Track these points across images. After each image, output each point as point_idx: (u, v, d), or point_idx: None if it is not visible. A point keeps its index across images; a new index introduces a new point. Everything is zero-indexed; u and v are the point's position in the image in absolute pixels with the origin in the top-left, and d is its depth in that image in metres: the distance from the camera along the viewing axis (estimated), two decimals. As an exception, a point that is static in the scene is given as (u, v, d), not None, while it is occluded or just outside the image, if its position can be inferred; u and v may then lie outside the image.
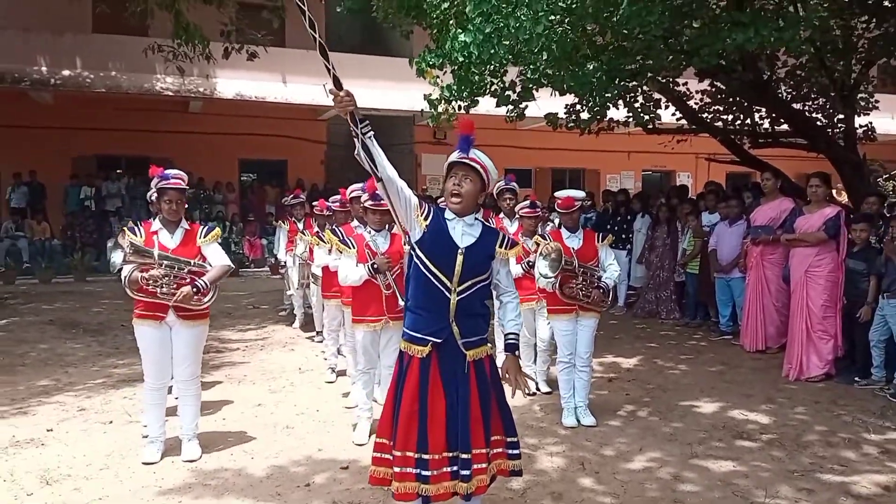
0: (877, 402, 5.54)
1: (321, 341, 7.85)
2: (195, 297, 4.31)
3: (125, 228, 4.50)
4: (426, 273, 3.10)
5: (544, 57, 7.11)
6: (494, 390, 3.20)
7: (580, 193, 5.23)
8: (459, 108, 8.06)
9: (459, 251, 3.09)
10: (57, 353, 7.49)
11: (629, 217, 10.00)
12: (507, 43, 6.79)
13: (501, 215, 6.63)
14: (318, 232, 7.63)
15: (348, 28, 14.84)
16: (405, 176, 12.24)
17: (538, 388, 5.93)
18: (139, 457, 4.46)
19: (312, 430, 5.04)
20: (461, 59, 6.85)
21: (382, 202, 4.76)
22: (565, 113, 9.24)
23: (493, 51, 6.68)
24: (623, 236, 9.81)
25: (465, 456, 3.03)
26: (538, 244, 5.09)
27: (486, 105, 10.27)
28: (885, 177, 11.58)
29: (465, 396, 3.07)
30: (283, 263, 9.54)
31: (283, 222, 9.19)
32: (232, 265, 4.72)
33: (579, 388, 5.13)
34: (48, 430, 5.03)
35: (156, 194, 4.55)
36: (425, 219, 3.11)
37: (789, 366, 6.35)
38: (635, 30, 6.95)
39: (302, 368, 6.90)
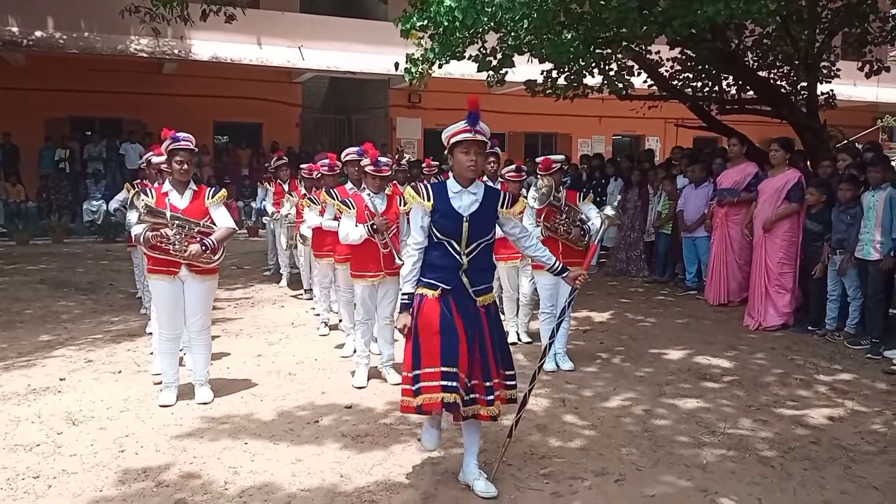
0: (828, 347, 6.10)
1: (309, 299, 8.22)
2: (204, 255, 4.62)
3: (138, 190, 4.77)
4: (438, 239, 3.48)
5: (524, 25, 7.43)
6: (498, 331, 3.60)
7: (559, 157, 5.61)
8: (440, 66, 8.21)
9: (465, 219, 3.46)
10: (52, 310, 7.73)
11: (603, 181, 10.43)
12: (489, 10, 7.08)
13: (484, 177, 7.00)
14: (305, 194, 7.93)
15: (323, -10, 14.86)
16: (380, 139, 12.54)
17: (519, 339, 6.38)
18: (155, 401, 4.80)
19: (313, 377, 5.42)
20: (445, 22, 7.12)
21: (384, 168, 5.13)
22: (543, 79, 9.57)
23: (476, 17, 6.97)
24: (597, 199, 10.22)
25: (487, 383, 3.40)
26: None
27: (461, 69, 10.47)
28: (842, 143, 12.11)
29: (481, 330, 3.46)
30: (265, 224, 9.78)
31: (269, 184, 9.42)
32: (236, 227, 5.03)
33: (559, 336, 5.57)
34: (61, 379, 5.33)
35: (165, 156, 4.77)
36: (428, 200, 3.47)
37: (750, 317, 6.88)
38: (612, 0, 7.28)
39: (294, 323, 7.25)
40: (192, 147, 4.73)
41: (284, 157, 9.30)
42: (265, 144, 17.89)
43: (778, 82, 11.21)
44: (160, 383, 5.11)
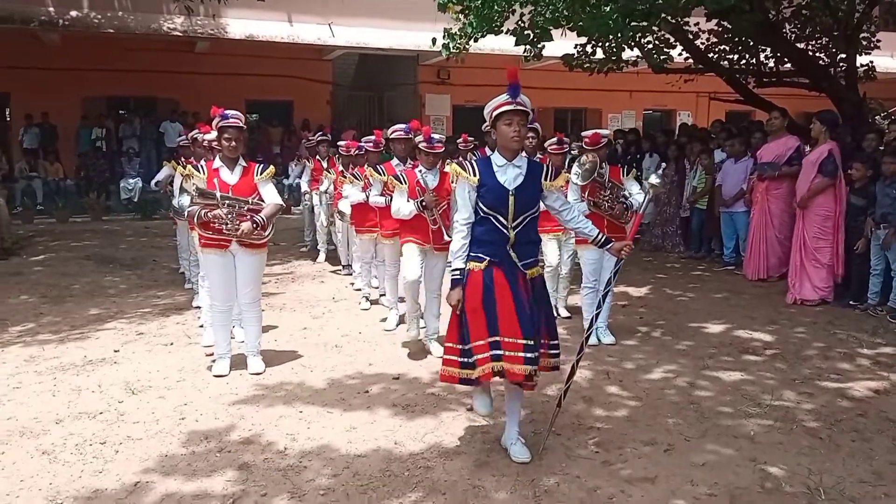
0: (870, 322, 6.08)
1: (348, 274, 8.34)
2: (255, 232, 4.74)
3: (189, 171, 4.88)
4: (485, 214, 3.54)
5: (563, -3, 7.39)
6: (545, 303, 3.67)
7: (606, 131, 5.62)
8: (476, 40, 8.18)
9: (510, 193, 3.51)
10: (100, 285, 7.94)
11: (638, 155, 10.38)
12: (529, -19, 7.05)
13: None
14: (342, 171, 8.03)
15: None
16: (409, 116, 12.52)
17: (558, 313, 6.43)
18: (209, 371, 4.96)
19: (360, 349, 5.54)
20: None
21: (437, 145, 5.19)
22: (578, 53, 9.52)
23: None
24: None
25: (530, 342, 3.44)
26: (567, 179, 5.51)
27: (490, 44, 10.38)
28: (882, 114, 11.90)
29: (528, 297, 3.53)
30: (304, 200, 9.92)
31: (308, 160, 9.51)
32: (283, 203, 5.14)
33: (602, 310, 5.62)
34: (115, 351, 5.52)
35: (215, 133, 4.87)
36: (474, 175, 3.54)
37: (790, 291, 6.86)
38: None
39: (335, 298, 7.38)
40: (240, 124, 4.82)
41: (328, 135, 9.36)
42: (296, 122, 18.00)
43: (816, 54, 11.01)
44: (212, 355, 5.27)
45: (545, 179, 3.64)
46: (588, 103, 20.34)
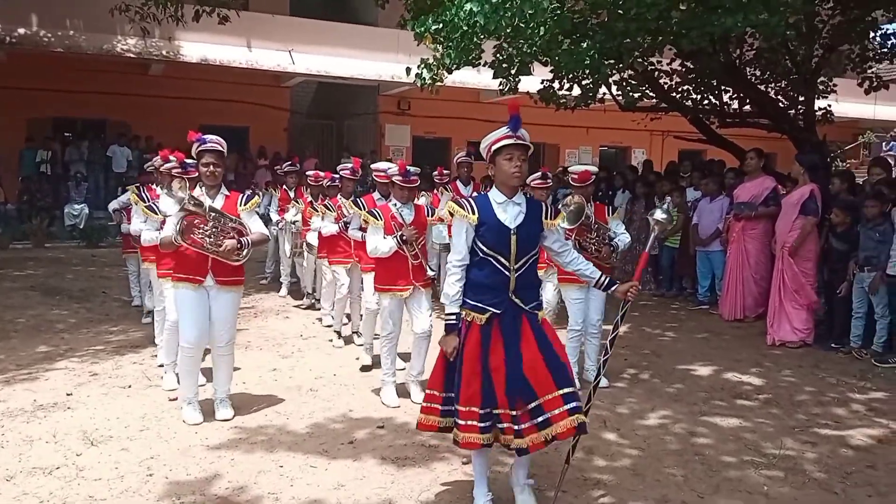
0: (855, 365, 6.03)
1: (309, 308, 8.02)
2: (235, 253, 4.41)
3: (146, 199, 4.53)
4: (484, 255, 3.30)
5: (541, 32, 7.29)
6: (548, 347, 3.36)
7: (595, 168, 5.47)
8: (450, 72, 8.02)
9: (512, 232, 3.29)
10: (47, 319, 7.40)
11: (610, 192, 10.33)
12: (509, 15, 6.92)
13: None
14: (311, 201, 7.73)
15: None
16: (369, 146, 12.40)
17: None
18: (174, 418, 4.55)
19: (336, 393, 5.20)
20: (465, 27, 6.94)
21: (413, 178, 4.95)
22: (548, 88, 9.44)
23: (498, 22, 6.80)
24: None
25: (533, 405, 3.21)
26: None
27: (451, 77, 10.24)
28: (838, 152, 12.21)
29: (525, 350, 3.27)
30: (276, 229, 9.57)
31: (274, 189, 9.18)
32: (269, 236, 4.83)
33: (591, 353, 5.43)
34: (68, 394, 5.06)
35: (194, 158, 4.56)
36: (473, 213, 3.31)
37: (768, 332, 6.79)
38: (631, 10, 7.18)
39: (303, 335, 7.00)
40: (221, 149, 4.51)
41: (297, 164, 9.06)
42: (252, 149, 17.58)
43: (776, 96, 11.23)
44: (175, 399, 4.88)
45: (545, 218, 3.43)
46: (546, 139, 20.38)
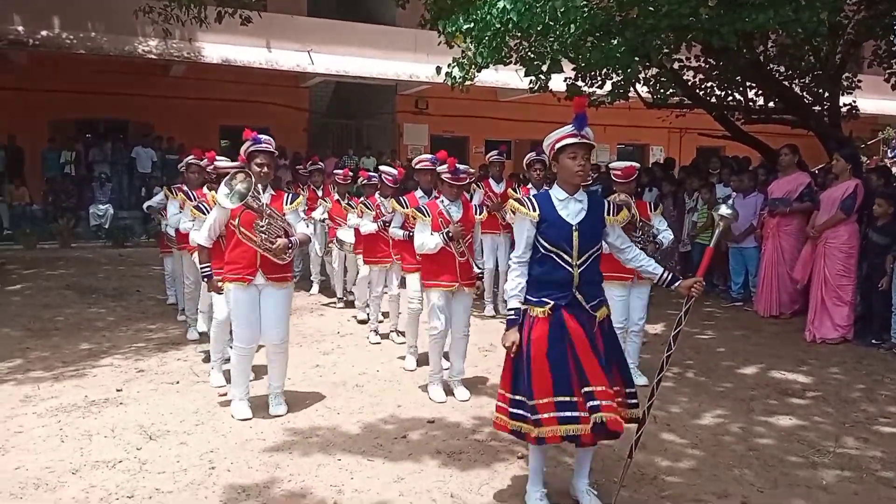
0: (898, 361, 6.01)
1: (343, 306, 8.06)
2: (285, 252, 4.44)
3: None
4: (546, 252, 3.31)
5: (571, 30, 7.29)
6: (618, 347, 3.46)
7: (637, 164, 5.45)
8: (480, 70, 8.00)
9: (574, 228, 3.30)
10: (85, 317, 7.46)
11: (638, 189, 10.28)
12: (543, 13, 6.92)
13: (529, 185, 6.97)
14: (338, 199, 7.78)
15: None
16: (387, 146, 12.48)
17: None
18: (227, 413, 4.59)
19: (383, 389, 5.22)
20: (498, 25, 6.94)
21: (462, 176, 4.96)
22: (570, 86, 9.40)
23: (531, 20, 6.81)
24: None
25: (600, 388, 3.19)
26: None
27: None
28: (863, 147, 12.13)
29: (601, 342, 3.32)
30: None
31: (302, 189, 9.21)
32: (311, 236, 4.87)
33: (632, 352, 5.41)
34: (118, 390, 5.09)
35: (245, 158, 4.57)
36: (534, 210, 3.32)
37: (808, 330, 6.76)
38: (662, 7, 7.17)
39: (340, 332, 7.03)
40: (272, 149, 4.54)
41: (320, 163, 9.09)
42: (272, 149, 17.60)
43: (801, 93, 11.19)
44: (225, 395, 4.92)
45: (607, 214, 3.44)
46: (564, 136, 20.38)
